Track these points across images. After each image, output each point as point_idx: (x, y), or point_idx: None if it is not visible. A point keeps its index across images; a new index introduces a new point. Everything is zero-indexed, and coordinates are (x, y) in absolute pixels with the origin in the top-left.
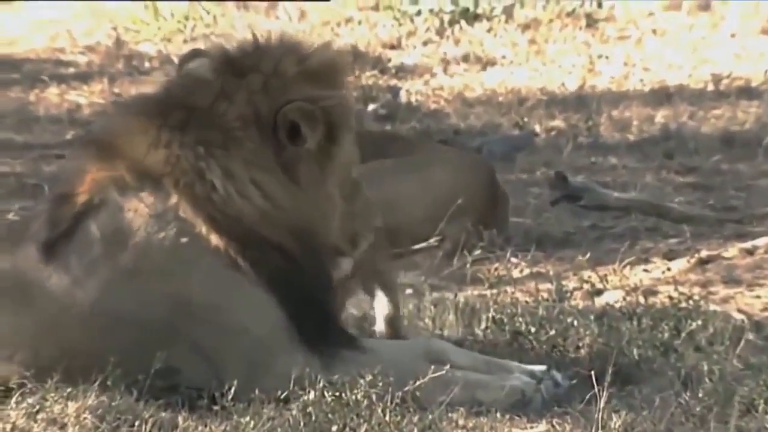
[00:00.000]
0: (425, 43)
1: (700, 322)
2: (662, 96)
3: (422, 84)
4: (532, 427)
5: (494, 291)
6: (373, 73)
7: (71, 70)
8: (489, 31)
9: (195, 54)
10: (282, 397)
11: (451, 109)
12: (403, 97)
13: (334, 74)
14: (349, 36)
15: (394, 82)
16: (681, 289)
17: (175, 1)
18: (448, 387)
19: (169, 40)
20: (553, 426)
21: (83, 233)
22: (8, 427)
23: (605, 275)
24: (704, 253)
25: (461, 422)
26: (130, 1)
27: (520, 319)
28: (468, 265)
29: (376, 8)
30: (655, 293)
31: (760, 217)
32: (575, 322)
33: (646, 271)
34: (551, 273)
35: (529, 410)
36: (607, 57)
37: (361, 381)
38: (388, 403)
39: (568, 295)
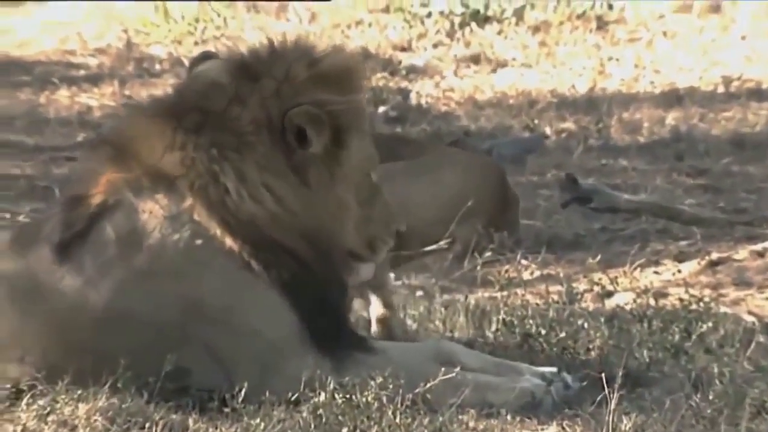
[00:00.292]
0: (435, 45)
1: (710, 325)
2: (673, 98)
3: (432, 86)
4: (542, 429)
5: (504, 293)
6: (383, 75)
7: (82, 72)
8: (499, 33)
9: (205, 56)
10: (292, 399)
11: (461, 111)
12: (413, 99)
13: (345, 78)
14: (360, 38)
15: (404, 84)
16: (691, 291)
17: (186, 0)
18: (459, 389)
19: (180, 42)
20: (563, 428)
21: (98, 234)
22: (19, 428)
23: (615, 277)
24: (715, 255)
25: (471, 424)
26: (138, 0)
27: (531, 321)
28: (478, 267)
29: (386, 10)
30: (665, 295)
31: None
32: (585, 324)
33: (656, 273)
34: (561, 275)
35: (539, 412)
36: (617, 59)
37: (372, 383)
38: (399, 405)
39: (579, 297)
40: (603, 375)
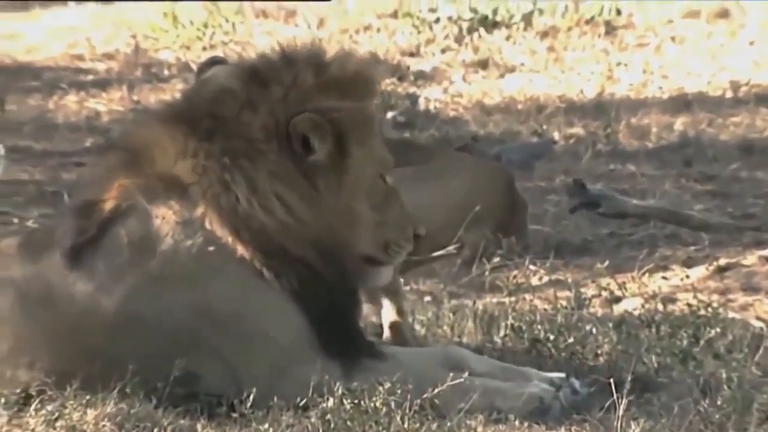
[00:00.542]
0: (444, 51)
1: (718, 330)
2: (681, 103)
3: (441, 91)
4: None
5: (513, 298)
6: (391, 80)
7: (90, 77)
8: (508, 38)
9: (213, 61)
10: (301, 404)
11: (469, 116)
12: (421, 105)
13: (353, 84)
14: (368, 43)
15: (412, 89)
16: (700, 296)
17: (193, 1)
18: (467, 394)
19: (188, 47)
20: None
21: (111, 239)
22: None
23: (624, 283)
24: (723, 261)
25: (480, 429)
26: (147, 1)
27: (539, 327)
28: (487, 273)
29: (394, 16)
30: (673, 301)
31: None
32: (594, 330)
33: (664, 278)
34: (570, 280)
35: (547, 418)
36: (625, 64)
37: (380, 388)
38: (407, 411)
39: (587, 302)
40: (611, 380)
